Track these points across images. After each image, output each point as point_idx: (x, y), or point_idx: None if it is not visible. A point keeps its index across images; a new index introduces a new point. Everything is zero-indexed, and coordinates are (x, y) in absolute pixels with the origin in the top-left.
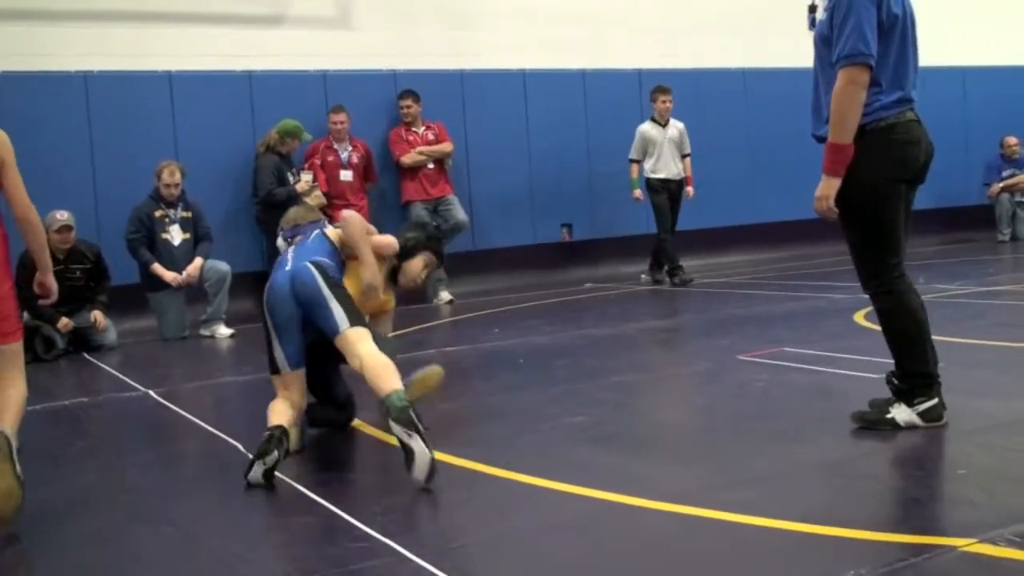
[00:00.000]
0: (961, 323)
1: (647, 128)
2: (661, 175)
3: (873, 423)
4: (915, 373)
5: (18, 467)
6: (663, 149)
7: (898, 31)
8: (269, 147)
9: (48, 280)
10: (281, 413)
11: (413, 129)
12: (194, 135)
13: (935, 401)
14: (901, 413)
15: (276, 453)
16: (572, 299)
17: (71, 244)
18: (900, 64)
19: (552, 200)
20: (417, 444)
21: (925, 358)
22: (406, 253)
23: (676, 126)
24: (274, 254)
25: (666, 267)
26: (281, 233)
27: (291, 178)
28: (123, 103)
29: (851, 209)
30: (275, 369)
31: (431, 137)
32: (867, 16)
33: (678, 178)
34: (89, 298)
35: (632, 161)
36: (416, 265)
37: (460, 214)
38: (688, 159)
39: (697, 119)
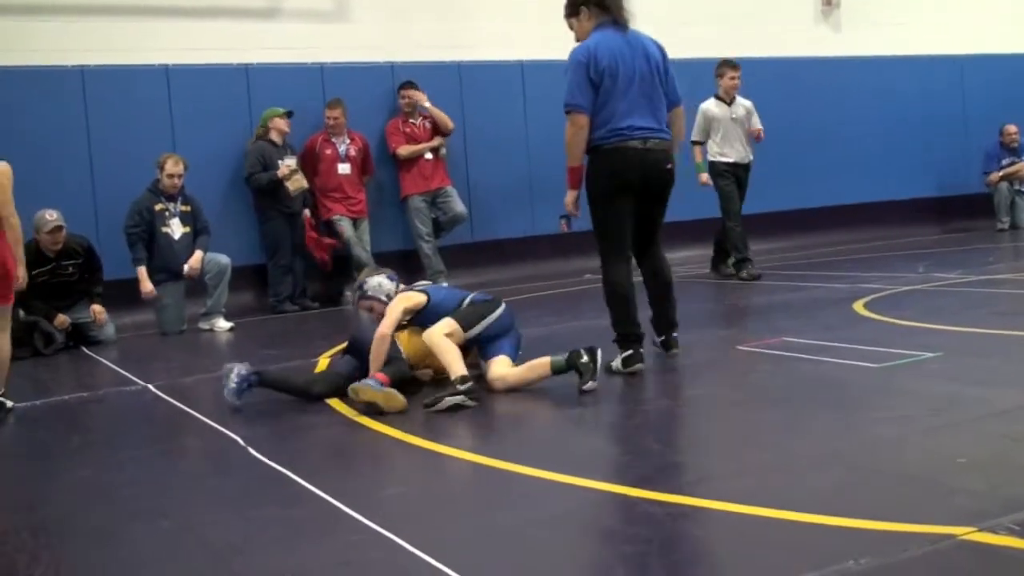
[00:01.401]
0: (960, 312)
1: (710, 106)
2: (729, 159)
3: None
4: (620, 332)
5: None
6: (728, 129)
7: (607, 79)
8: (259, 137)
9: (21, 271)
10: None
11: (411, 120)
12: (191, 129)
13: (630, 352)
14: (615, 361)
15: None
16: (571, 290)
17: (62, 243)
18: (621, 104)
19: (551, 191)
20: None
21: (627, 321)
22: None
23: (743, 104)
24: (270, 244)
25: (732, 259)
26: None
27: (280, 164)
28: (120, 97)
29: (590, 209)
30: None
31: (428, 127)
32: (578, 74)
33: (746, 161)
34: (85, 292)
35: (695, 143)
36: None
37: (459, 206)
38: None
39: (695, 110)
